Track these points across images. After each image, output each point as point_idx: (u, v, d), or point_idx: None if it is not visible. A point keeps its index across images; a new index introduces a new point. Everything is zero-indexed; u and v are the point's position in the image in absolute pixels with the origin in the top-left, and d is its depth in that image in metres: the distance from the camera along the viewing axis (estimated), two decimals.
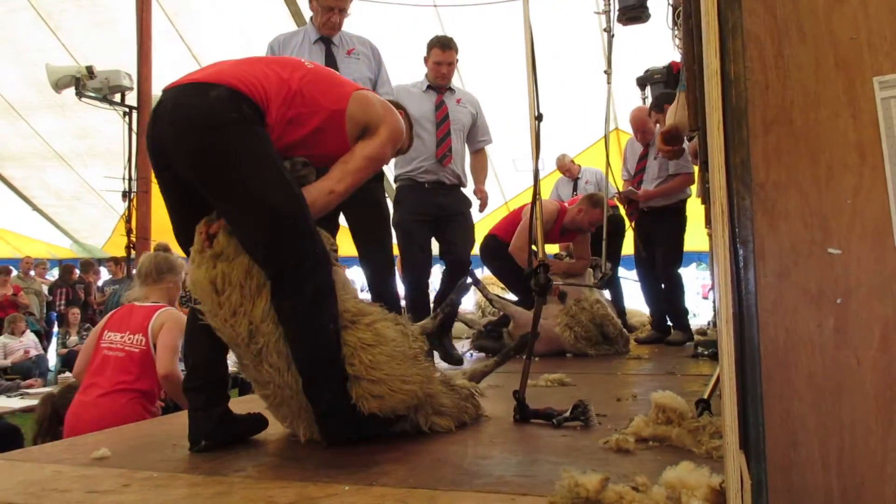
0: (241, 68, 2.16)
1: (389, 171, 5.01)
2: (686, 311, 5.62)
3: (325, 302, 2.08)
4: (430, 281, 4.51)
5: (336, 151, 2.25)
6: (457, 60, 4.48)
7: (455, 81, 4.51)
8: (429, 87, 4.46)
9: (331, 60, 3.56)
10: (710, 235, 4.89)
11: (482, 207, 4.67)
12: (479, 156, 4.74)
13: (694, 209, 5.37)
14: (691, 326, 5.74)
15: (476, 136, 4.61)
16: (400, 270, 4.28)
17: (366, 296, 3.40)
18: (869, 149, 1.34)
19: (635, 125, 5.61)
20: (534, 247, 2.85)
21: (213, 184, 2.04)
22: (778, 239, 1.37)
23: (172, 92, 2.11)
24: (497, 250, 5.27)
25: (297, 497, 1.64)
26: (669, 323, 5.63)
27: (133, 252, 6.25)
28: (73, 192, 11.20)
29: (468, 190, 4.59)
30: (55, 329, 10.41)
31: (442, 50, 4.40)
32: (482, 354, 5.01)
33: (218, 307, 2.06)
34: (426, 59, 4.49)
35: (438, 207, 4.32)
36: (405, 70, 8.02)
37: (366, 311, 2.17)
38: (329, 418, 2.10)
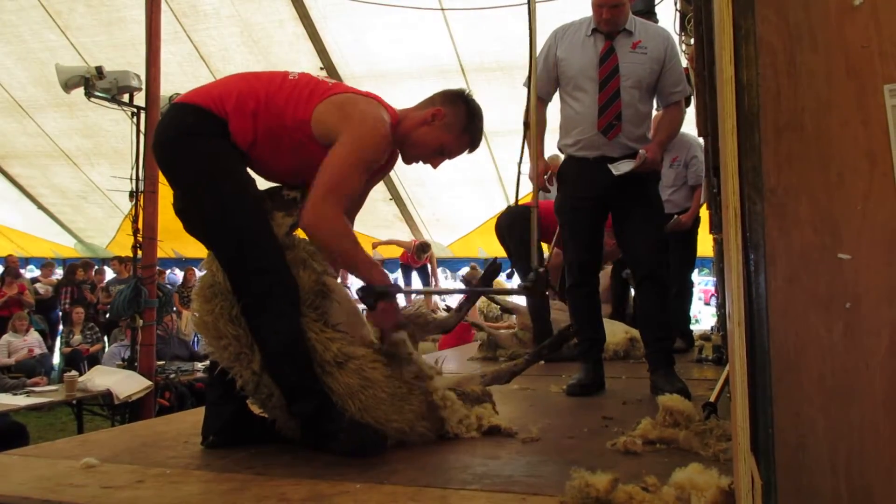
0: (212, 83, 2.22)
1: None
2: (689, 319, 5.59)
3: (282, 323, 2.02)
4: None
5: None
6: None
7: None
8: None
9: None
10: (715, 240, 4.91)
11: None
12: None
13: None
14: (693, 332, 5.73)
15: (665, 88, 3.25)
16: None
17: None
18: (879, 155, 1.35)
19: None
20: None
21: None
22: (788, 244, 1.39)
23: None
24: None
25: (309, 494, 1.66)
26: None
27: (140, 252, 6.24)
28: (79, 191, 11.23)
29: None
30: (60, 328, 10.42)
31: None
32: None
33: (222, 349, 2.06)
34: None
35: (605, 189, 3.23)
36: (413, 73, 8.09)
37: (352, 354, 2.09)
38: (309, 429, 2.09)
